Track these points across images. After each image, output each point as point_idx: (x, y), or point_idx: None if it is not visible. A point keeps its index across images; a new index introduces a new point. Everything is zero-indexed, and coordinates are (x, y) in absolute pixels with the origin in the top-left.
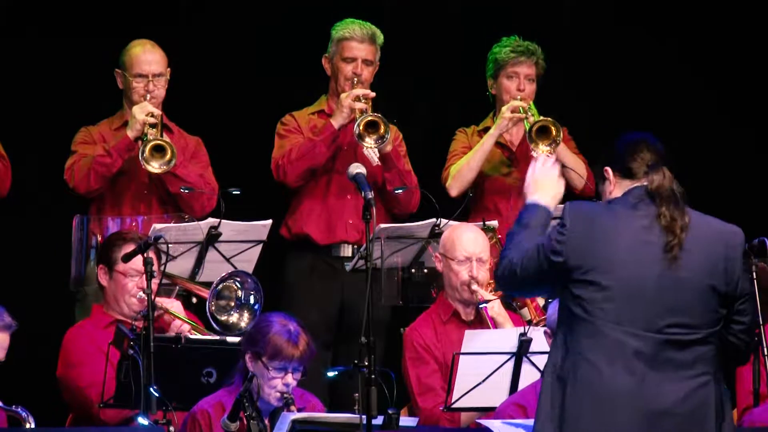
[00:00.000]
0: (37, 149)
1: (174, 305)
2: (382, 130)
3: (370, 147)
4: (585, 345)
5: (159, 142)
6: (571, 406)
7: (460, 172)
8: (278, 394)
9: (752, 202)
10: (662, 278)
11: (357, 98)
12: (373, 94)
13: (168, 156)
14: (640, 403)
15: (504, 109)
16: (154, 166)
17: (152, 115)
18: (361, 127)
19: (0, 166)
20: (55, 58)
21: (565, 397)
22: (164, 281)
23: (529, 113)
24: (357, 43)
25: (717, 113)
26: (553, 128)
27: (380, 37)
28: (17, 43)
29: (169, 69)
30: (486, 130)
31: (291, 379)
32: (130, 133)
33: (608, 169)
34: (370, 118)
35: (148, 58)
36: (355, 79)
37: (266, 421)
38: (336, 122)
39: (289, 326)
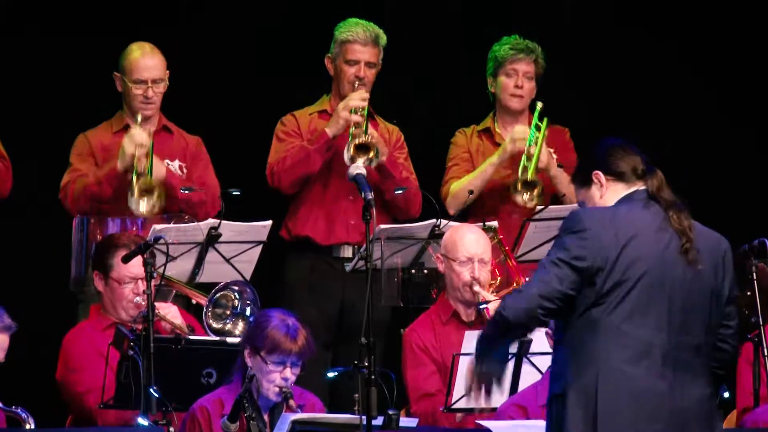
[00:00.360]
0: (37, 149)
1: (171, 310)
2: (372, 154)
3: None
4: (609, 348)
5: (149, 184)
6: (604, 405)
7: (459, 192)
8: (277, 389)
9: (752, 202)
10: (680, 279)
11: (354, 108)
12: (367, 95)
13: (155, 196)
14: (670, 402)
15: (508, 140)
16: (143, 207)
17: (142, 146)
18: (351, 151)
19: (1, 167)
20: (55, 58)
21: (597, 402)
22: (162, 284)
23: (533, 146)
24: (360, 46)
25: (717, 113)
26: (538, 187)
27: (383, 38)
28: (17, 43)
29: (167, 71)
30: (486, 130)
31: (289, 373)
32: (120, 165)
33: (599, 173)
34: (359, 142)
35: (147, 63)
36: (357, 82)
37: (265, 417)
38: (330, 131)
39: (288, 321)
